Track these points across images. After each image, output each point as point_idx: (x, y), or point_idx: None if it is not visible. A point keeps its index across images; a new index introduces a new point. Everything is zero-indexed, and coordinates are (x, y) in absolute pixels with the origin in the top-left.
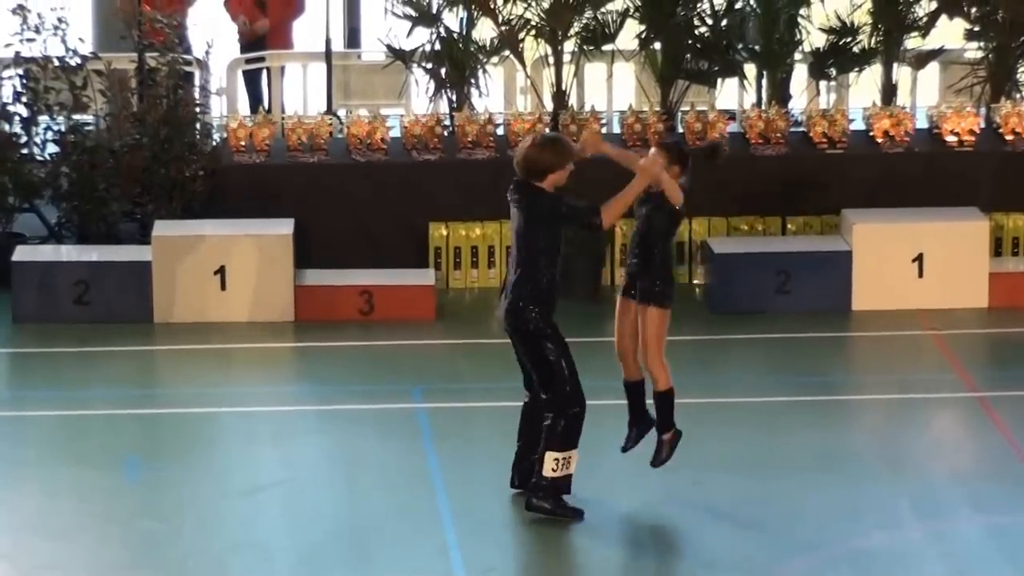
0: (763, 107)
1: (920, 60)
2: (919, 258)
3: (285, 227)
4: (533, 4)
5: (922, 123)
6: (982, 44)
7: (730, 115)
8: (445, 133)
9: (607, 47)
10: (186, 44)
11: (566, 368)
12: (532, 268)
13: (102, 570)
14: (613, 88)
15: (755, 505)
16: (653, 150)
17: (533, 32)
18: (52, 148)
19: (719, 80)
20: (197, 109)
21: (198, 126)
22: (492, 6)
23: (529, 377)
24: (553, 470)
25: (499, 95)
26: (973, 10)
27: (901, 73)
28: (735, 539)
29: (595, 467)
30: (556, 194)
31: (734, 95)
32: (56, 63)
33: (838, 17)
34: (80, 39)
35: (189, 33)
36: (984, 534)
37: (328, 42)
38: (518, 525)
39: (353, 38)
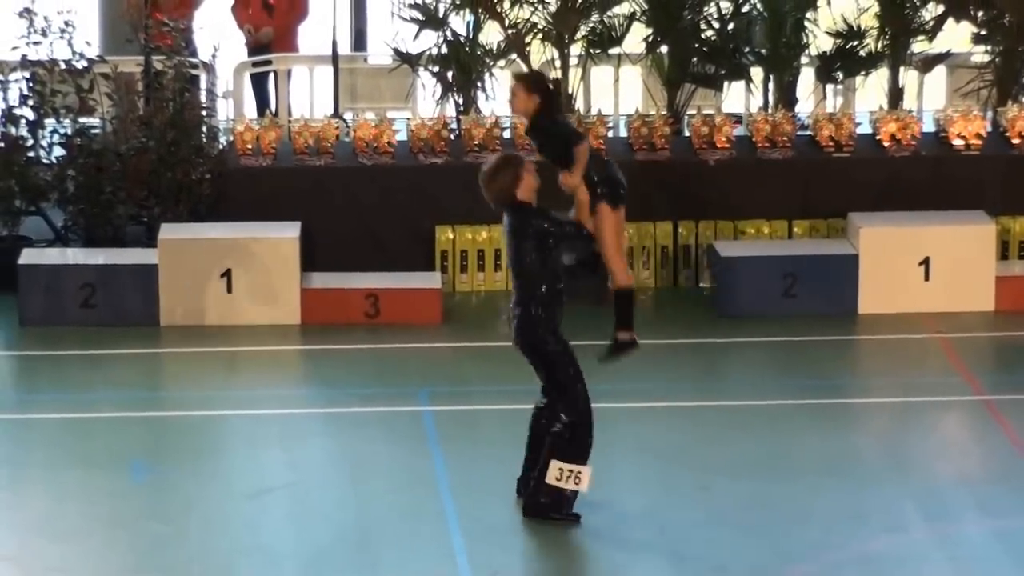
0: (769, 111)
1: (927, 64)
2: (925, 262)
3: (291, 230)
4: (539, 8)
5: (929, 127)
6: (989, 48)
7: (736, 119)
8: (452, 136)
9: (614, 51)
10: (192, 47)
11: (579, 385)
12: (529, 289)
13: (108, 573)
14: (620, 92)
15: (761, 509)
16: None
17: (540, 36)
18: (58, 151)
19: (726, 84)
20: (204, 112)
21: (204, 129)
22: (499, 10)
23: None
24: (557, 479)
25: (505, 98)
26: (980, 14)
27: (908, 77)
28: (742, 543)
29: (601, 470)
30: (542, 211)
31: (741, 99)
32: (63, 66)
33: (844, 21)
34: (87, 42)
35: (196, 36)
36: (991, 538)
37: (335, 45)
38: (525, 529)
39: (360, 41)
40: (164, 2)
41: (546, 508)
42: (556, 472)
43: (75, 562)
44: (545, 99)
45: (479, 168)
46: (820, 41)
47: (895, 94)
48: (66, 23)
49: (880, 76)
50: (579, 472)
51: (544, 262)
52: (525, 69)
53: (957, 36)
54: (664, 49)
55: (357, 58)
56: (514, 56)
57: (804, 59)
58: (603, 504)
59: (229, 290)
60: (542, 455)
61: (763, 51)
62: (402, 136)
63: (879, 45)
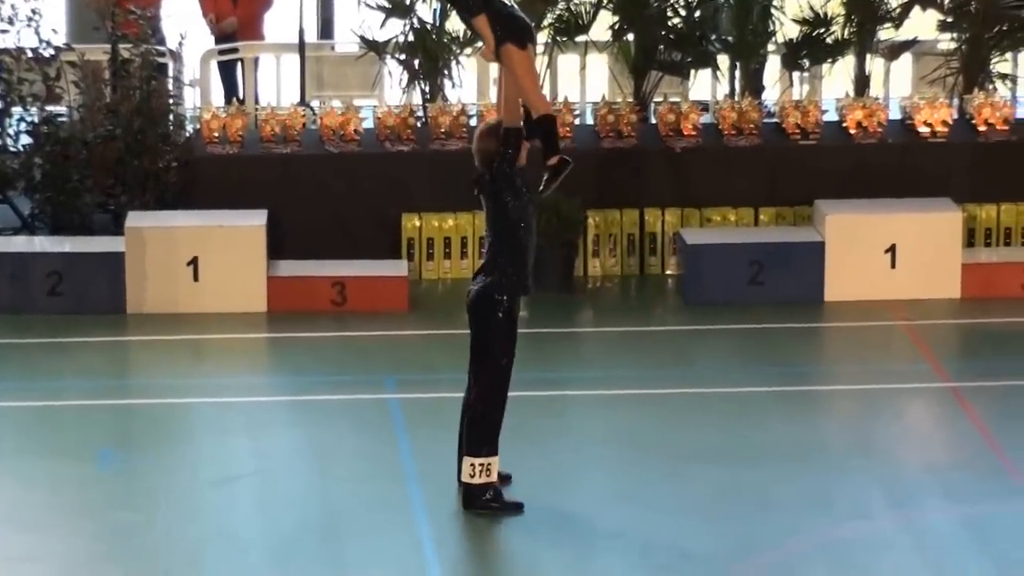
0: (736, 98)
1: (893, 51)
2: (892, 249)
3: (258, 218)
4: None
5: (895, 114)
6: (955, 35)
7: (703, 106)
8: (418, 124)
9: (580, 38)
10: (160, 35)
11: (504, 362)
12: (500, 249)
13: (77, 562)
14: (586, 79)
15: (728, 495)
16: None
17: None
18: (25, 139)
19: (692, 71)
20: (170, 100)
21: (171, 117)
22: None
23: None
24: (471, 476)
25: (472, 86)
26: (946, 1)
27: (874, 64)
28: (709, 529)
29: (570, 456)
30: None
31: (707, 86)
32: (29, 54)
33: (811, 8)
34: (53, 30)
35: (163, 24)
36: (957, 523)
37: (301, 33)
38: (496, 520)
39: (326, 29)
40: None
41: (476, 499)
42: (469, 469)
43: (43, 551)
44: None
45: (446, 156)
46: (787, 28)
47: (861, 81)
48: (33, 11)
49: (846, 63)
50: (488, 464)
51: (523, 209)
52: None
53: (923, 23)
54: (630, 36)
55: (324, 46)
56: (480, 43)
57: (771, 47)
58: (572, 490)
59: (196, 278)
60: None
61: (730, 38)
62: (369, 124)
63: (845, 32)
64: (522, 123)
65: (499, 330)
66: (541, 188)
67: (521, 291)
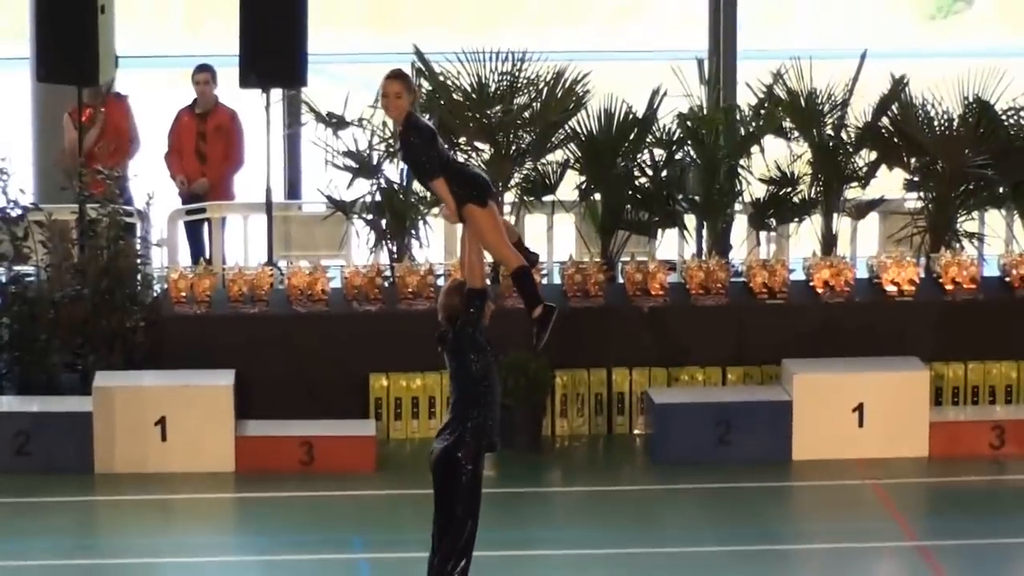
0: (703, 257)
1: (860, 210)
2: (859, 408)
3: (226, 378)
4: (473, 155)
5: (862, 273)
6: (922, 194)
7: (670, 265)
8: (386, 284)
9: (547, 198)
10: (127, 195)
11: (469, 523)
12: (464, 406)
13: None
14: (553, 239)
15: None
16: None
17: None
18: None
19: (659, 231)
20: (138, 260)
21: (139, 277)
22: None
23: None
24: None
25: (439, 246)
26: (912, 161)
27: (841, 223)
28: None
29: None
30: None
31: (674, 245)
32: None
33: (778, 167)
34: (21, 190)
35: (130, 184)
36: None
37: (268, 193)
38: None
39: (293, 190)
40: (98, 150)
41: None
42: None
43: None
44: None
45: (414, 315)
46: (753, 188)
47: (828, 240)
48: (0, 170)
49: (813, 223)
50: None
51: (486, 367)
52: None
53: (890, 183)
54: (597, 196)
55: (291, 206)
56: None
57: (737, 206)
58: None
59: (164, 438)
60: None
61: (696, 198)
62: (336, 284)
63: (812, 192)
64: (487, 283)
65: (464, 491)
66: (534, 343)
67: (486, 448)
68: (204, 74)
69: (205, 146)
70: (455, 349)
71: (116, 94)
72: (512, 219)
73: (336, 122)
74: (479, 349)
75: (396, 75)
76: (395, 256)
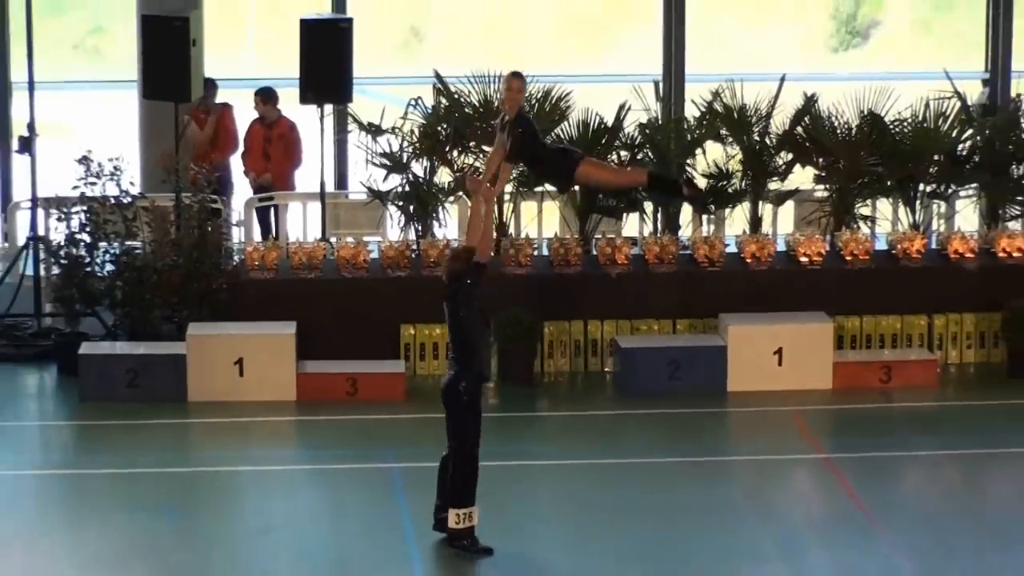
0: (658, 235)
1: (779, 199)
2: (779, 351)
3: (289, 328)
4: (480, 156)
5: (781, 247)
6: (827, 186)
7: (633, 241)
8: (413, 255)
9: (538, 188)
10: (229, 185)
11: (471, 439)
12: (460, 349)
13: None
14: (543, 220)
15: (654, 545)
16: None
17: (480, 177)
18: (109, 267)
19: (624, 214)
20: (222, 236)
21: (222, 250)
22: (449, 158)
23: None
24: (456, 523)
25: (455, 226)
26: (820, 160)
27: (765, 208)
28: (633, 571)
29: (525, 514)
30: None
31: (636, 225)
32: (112, 201)
33: (716, 165)
34: (131, 182)
35: (231, 177)
36: (830, 565)
37: (322, 185)
38: (474, 564)
39: (342, 182)
40: (197, 146)
41: (463, 551)
42: (454, 518)
43: None
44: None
45: (435, 279)
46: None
47: (755, 222)
48: (115, 168)
49: (743, 208)
50: (470, 512)
51: (474, 320)
52: (470, 201)
53: (803, 177)
54: (576, 187)
55: (340, 195)
56: (461, 193)
57: None
58: (531, 540)
59: (241, 374)
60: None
61: None
62: (375, 255)
63: (743, 184)
64: (491, 254)
65: (466, 413)
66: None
67: (478, 379)
68: (271, 98)
69: (270, 148)
70: (452, 306)
71: (224, 104)
72: (511, 205)
73: (375, 130)
74: (470, 308)
75: (519, 75)
76: (420, 233)
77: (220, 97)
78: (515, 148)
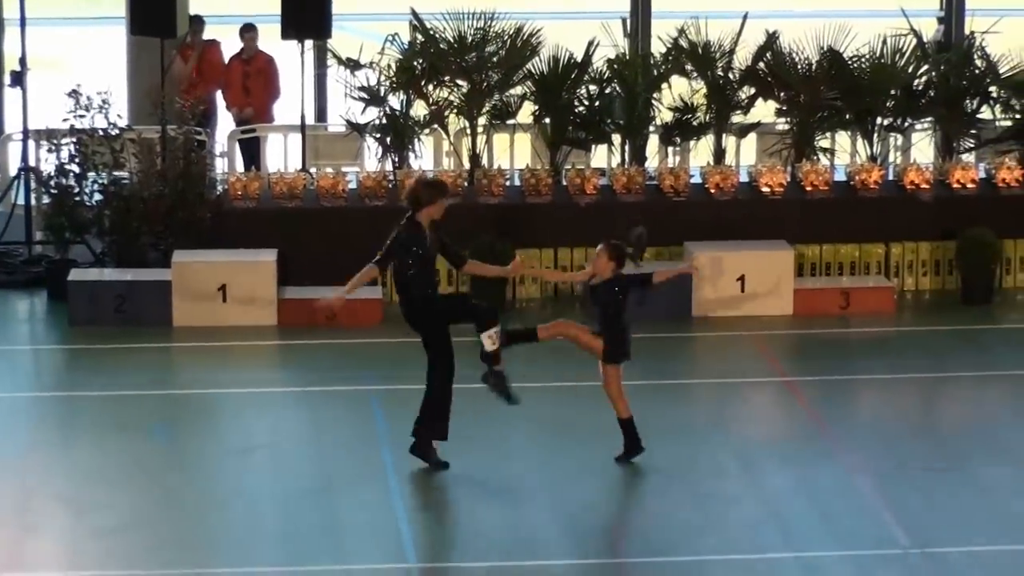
0: (626, 166)
1: (742, 131)
2: (742, 278)
3: (270, 255)
4: (455, 90)
5: (744, 178)
6: (788, 119)
7: (601, 172)
8: (390, 185)
9: (510, 121)
10: (213, 118)
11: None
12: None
13: (138, 508)
14: (514, 152)
15: (611, 461)
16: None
17: (455, 111)
18: (98, 196)
19: (593, 146)
20: (206, 167)
21: (206, 180)
22: (424, 91)
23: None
24: (492, 344)
25: (430, 157)
26: (781, 94)
27: (728, 141)
28: (606, 487)
29: (499, 432)
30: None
31: (604, 157)
32: (101, 133)
33: (682, 99)
34: (119, 115)
35: (216, 111)
36: (790, 482)
37: (303, 118)
38: (441, 475)
39: (321, 115)
40: (181, 80)
41: (493, 384)
42: (487, 342)
43: (113, 501)
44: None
45: None
46: (663, 114)
47: (719, 154)
48: (103, 101)
49: (707, 140)
50: (496, 331)
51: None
52: (445, 136)
53: (765, 111)
54: (547, 120)
55: (319, 127)
56: (436, 125)
57: (652, 128)
58: (507, 458)
59: (224, 299)
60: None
61: (621, 122)
62: (353, 185)
63: (707, 117)
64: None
65: (438, 313)
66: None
67: (433, 295)
68: (251, 32)
69: (249, 83)
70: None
71: (211, 40)
72: (484, 137)
73: (353, 65)
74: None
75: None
76: (396, 164)
77: (207, 34)
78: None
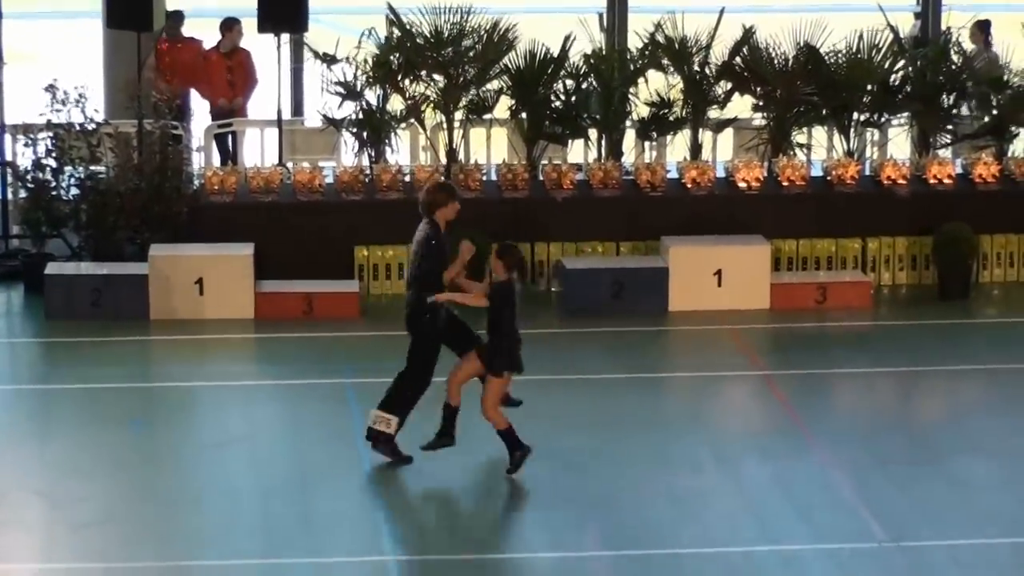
0: (602, 160)
1: (719, 126)
2: (718, 272)
3: (247, 249)
4: (431, 84)
5: (721, 173)
6: (765, 115)
7: (578, 167)
8: (366, 180)
9: (487, 116)
10: (189, 112)
11: (427, 370)
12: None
13: (115, 501)
14: (491, 147)
15: (596, 453)
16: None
17: (431, 105)
18: (74, 191)
19: (570, 140)
20: (182, 162)
21: (183, 175)
22: (401, 86)
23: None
24: (374, 422)
25: (406, 152)
26: (758, 89)
27: (705, 136)
28: (583, 479)
29: (477, 426)
30: (429, 246)
31: (581, 152)
32: (77, 128)
33: (658, 94)
34: (95, 110)
35: (191, 105)
36: (767, 475)
37: (279, 112)
38: (412, 469)
39: (298, 109)
40: (156, 74)
41: (377, 442)
42: (373, 417)
43: (91, 493)
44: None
45: (387, 203)
46: (640, 109)
47: (695, 148)
48: (80, 95)
49: (684, 135)
50: (388, 419)
51: (431, 267)
52: (421, 131)
53: (742, 105)
54: (524, 115)
55: (296, 121)
56: (412, 120)
57: (628, 122)
58: (485, 443)
59: (201, 293)
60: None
61: (597, 116)
62: (329, 180)
63: (683, 112)
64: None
65: (424, 343)
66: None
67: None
68: (237, 26)
69: (233, 77)
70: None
71: (191, 38)
72: (460, 132)
73: (330, 59)
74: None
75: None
76: (373, 159)
77: (187, 29)
78: None
